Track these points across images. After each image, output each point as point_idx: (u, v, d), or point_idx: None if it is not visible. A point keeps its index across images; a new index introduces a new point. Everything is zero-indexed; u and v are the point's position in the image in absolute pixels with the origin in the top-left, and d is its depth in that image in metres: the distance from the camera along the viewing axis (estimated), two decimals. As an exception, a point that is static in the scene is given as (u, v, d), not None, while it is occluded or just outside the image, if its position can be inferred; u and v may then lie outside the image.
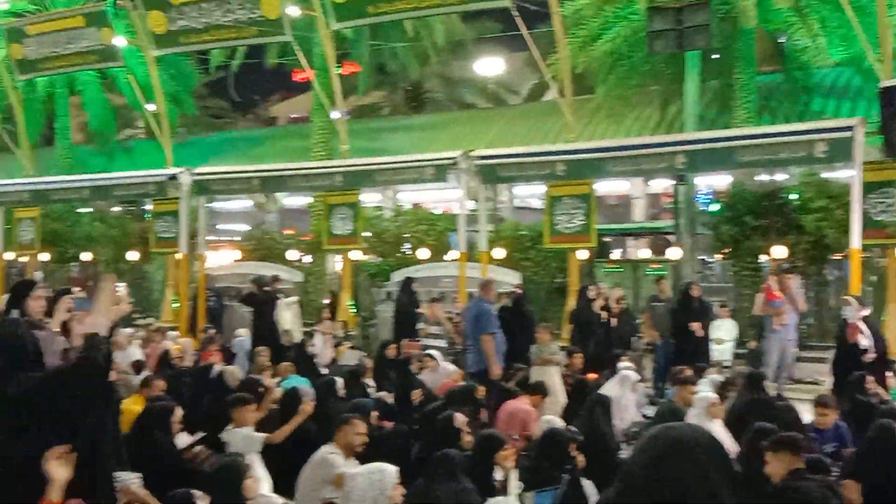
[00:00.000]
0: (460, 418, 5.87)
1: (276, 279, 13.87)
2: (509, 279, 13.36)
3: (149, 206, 18.03)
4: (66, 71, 19.75)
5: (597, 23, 15.75)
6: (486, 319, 9.79)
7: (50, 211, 19.58)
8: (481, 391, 7.93)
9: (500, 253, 15.19)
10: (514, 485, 5.34)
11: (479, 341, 9.69)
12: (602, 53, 15.78)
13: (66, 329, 4.96)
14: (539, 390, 7.80)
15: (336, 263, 18.19)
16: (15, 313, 4.73)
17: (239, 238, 20.77)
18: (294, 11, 15.93)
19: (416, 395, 8.03)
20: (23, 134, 20.82)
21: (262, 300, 13.04)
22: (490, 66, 21.74)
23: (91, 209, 20.92)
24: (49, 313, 5.10)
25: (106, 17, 17.47)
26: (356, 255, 16.39)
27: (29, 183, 18.69)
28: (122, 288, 5.64)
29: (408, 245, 17.29)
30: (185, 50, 18.23)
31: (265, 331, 12.41)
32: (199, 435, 6.18)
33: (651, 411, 8.52)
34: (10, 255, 18.76)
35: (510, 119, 22.78)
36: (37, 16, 20.15)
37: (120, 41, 17.73)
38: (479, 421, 7.12)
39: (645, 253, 19.29)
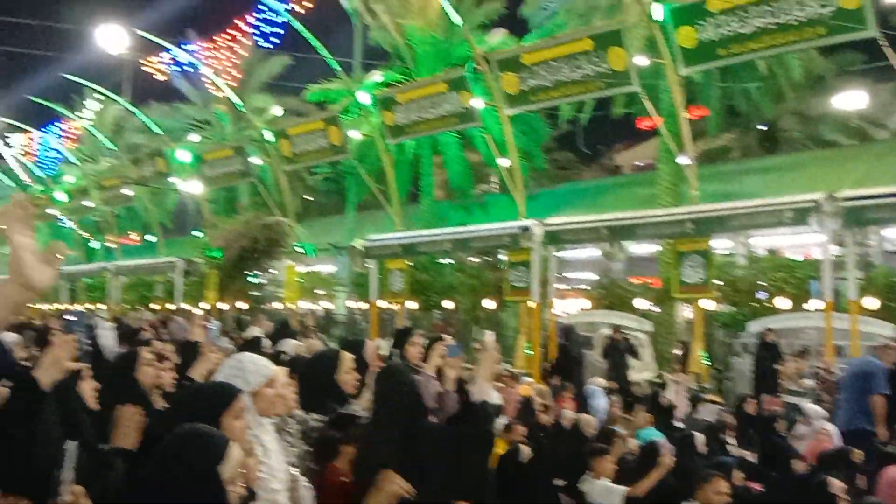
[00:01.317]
0: (836, 484, 5.39)
1: (617, 329, 13.86)
2: (885, 332, 12.10)
3: (503, 257, 18.93)
4: (430, 133, 21.58)
5: None
6: (880, 379, 9.09)
7: (416, 262, 21.30)
8: (858, 454, 7.22)
9: (871, 302, 13.82)
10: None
11: (859, 400, 8.92)
12: None
13: (439, 373, 5.35)
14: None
15: (686, 312, 17.71)
16: (396, 358, 5.22)
17: (587, 286, 21.05)
18: (641, 61, 16.01)
19: (800, 465, 7.46)
20: (393, 192, 22.98)
21: (618, 349, 13.09)
22: (853, 99, 20.14)
23: (452, 260, 22.42)
24: (424, 358, 5.56)
25: (465, 82, 18.84)
26: (708, 304, 15.83)
27: (399, 237, 20.56)
28: (490, 337, 5.93)
29: (763, 293, 16.35)
30: (536, 107, 19.07)
31: (618, 380, 12.40)
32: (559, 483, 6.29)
33: None
34: (382, 303, 20.70)
35: (878, 156, 20.79)
36: (405, 85, 22.29)
37: (478, 103, 18.98)
38: (856, 488, 6.48)
39: None
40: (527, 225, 16.35)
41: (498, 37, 23.19)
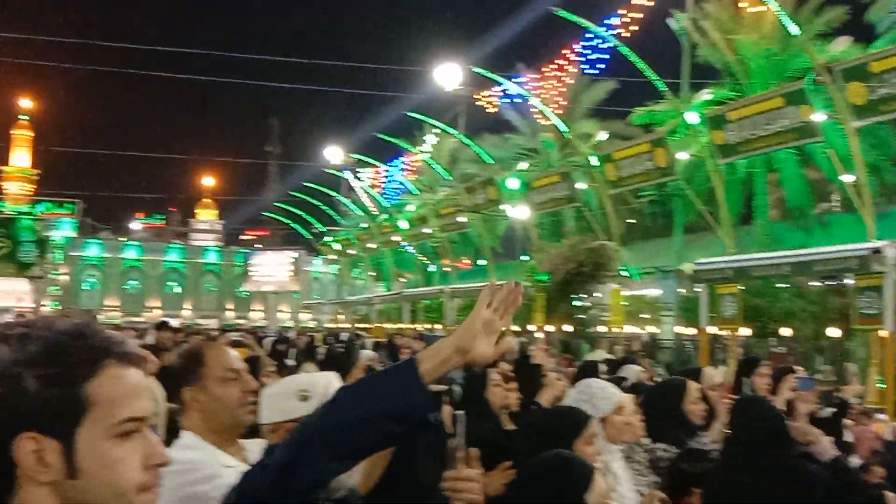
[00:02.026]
0: None
1: None
2: None
3: (850, 281, 17.42)
4: (765, 151, 20.48)
5: None
6: None
7: (750, 287, 20.27)
8: None
9: None
10: None
11: None
12: None
13: (791, 408, 5.03)
14: None
15: None
16: (748, 388, 4.98)
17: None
18: None
19: None
20: (724, 214, 22.10)
21: None
22: None
23: (789, 284, 21.05)
24: (773, 390, 5.25)
25: (804, 95, 17.67)
26: None
27: (731, 260, 19.70)
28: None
29: None
30: (887, 118, 17.40)
31: None
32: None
33: None
34: (712, 329, 19.92)
35: None
36: (737, 102, 21.38)
37: (819, 116, 17.72)
38: None
39: None
40: (878, 246, 14.90)
41: (842, 45, 21.54)
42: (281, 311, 56.52)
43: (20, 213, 54.44)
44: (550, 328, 24.69)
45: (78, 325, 1.35)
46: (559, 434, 2.96)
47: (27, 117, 73.78)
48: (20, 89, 73.98)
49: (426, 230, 38.17)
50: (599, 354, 9.57)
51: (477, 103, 33.91)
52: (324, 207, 49.13)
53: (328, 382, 2.71)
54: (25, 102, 73.78)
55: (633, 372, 6.84)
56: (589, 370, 6.50)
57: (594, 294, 24.82)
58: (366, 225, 45.47)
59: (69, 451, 1.27)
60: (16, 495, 1.29)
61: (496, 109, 33.87)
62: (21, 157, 72.88)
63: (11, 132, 72.49)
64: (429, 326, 33.28)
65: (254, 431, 2.85)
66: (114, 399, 1.30)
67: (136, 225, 71.78)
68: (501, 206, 31.12)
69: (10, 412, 1.26)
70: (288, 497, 1.72)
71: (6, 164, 71.95)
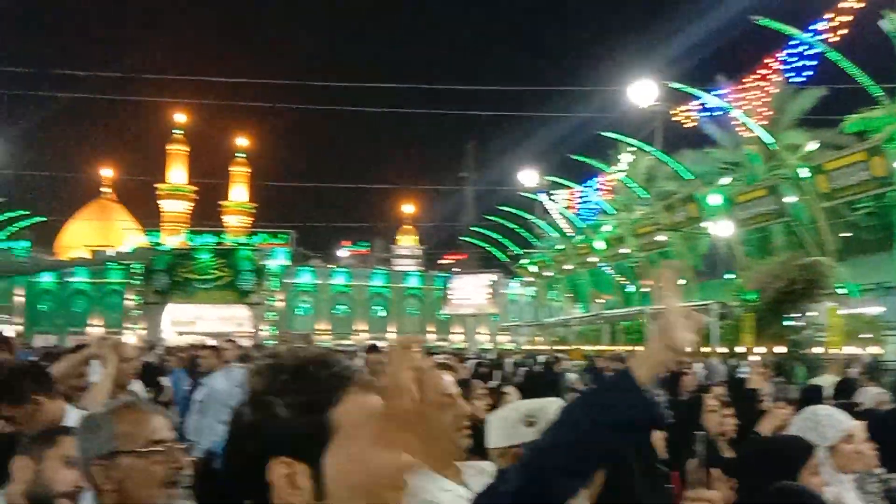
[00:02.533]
0: None
1: None
2: None
3: None
4: None
5: None
6: None
7: None
8: None
9: None
10: None
11: None
12: None
13: None
14: None
15: None
16: None
17: None
18: None
19: None
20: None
21: None
22: None
23: None
24: None
25: None
26: None
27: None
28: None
29: None
30: None
31: None
32: None
33: None
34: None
35: None
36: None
37: None
38: None
39: None
40: None
41: None
42: (479, 333, 57.32)
43: (239, 245, 58.65)
44: (761, 349, 23.52)
45: (321, 355, 1.44)
46: (783, 464, 2.84)
47: (244, 155, 79.59)
48: (237, 129, 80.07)
49: (623, 250, 37.52)
50: (827, 379, 8.92)
51: (673, 119, 33.09)
52: (519, 230, 49.50)
53: (553, 407, 2.74)
54: (242, 141, 79.65)
55: (870, 396, 6.35)
56: (812, 395, 6.12)
57: (808, 313, 23.46)
58: (561, 246, 45.34)
59: (318, 475, 1.36)
60: None
61: (695, 124, 32.88)
62: (239, 191, 78.62)
63: (230, 169, 78.43)
64: (629, 348, 32.62)
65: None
66: (357, 423, 1.38)
67: (343, 252, 75.36)
68: (703, 224, 30.10)
69: (265, 438, 1.36)
70: None
71: (226, 198, 77.83)
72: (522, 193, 46.94)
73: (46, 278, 56.55)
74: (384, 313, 60.36)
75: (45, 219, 57.16)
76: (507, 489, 1.81)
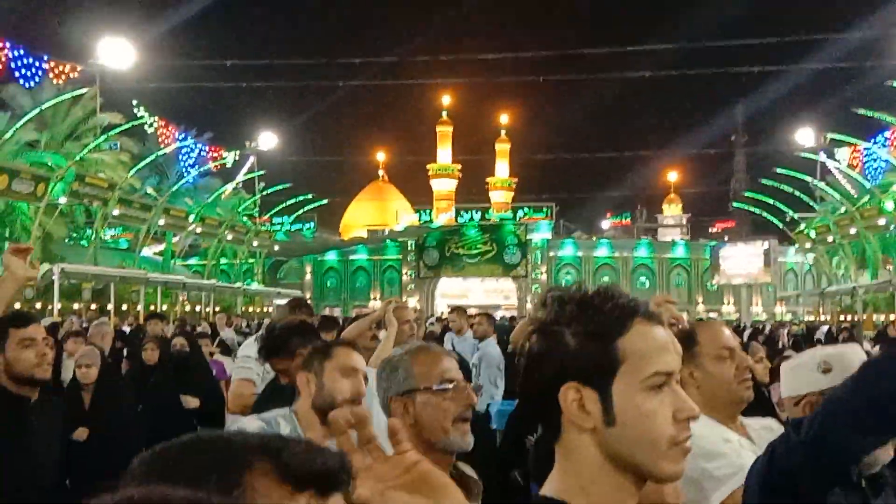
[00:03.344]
0: None
1: None
2: None
3: None
4: None
5: None
6: None
7: None
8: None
9: None
10: None
11: None
12: None
13: None
14: None
15: None
16: None
17: None
18: None
19: None
20: None
21: None
22: None
23: None
24: None
25: None
26: None
27: None
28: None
29: None
30: None
31: None
32: None
33: None
34: None
35: None
36: None
37: None
38: None
39: None
40: None
41: None
42: (754, 304, 54.61)
43: (503, 220, 60.01)
44: None
45: (606, 288, 1.48)
46: None
47: (505, 131, 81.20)
48: (499, 105, 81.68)
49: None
50: None
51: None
52: (797, 193, 46.33)
53: (852, 355, 2.61)
54: (504, 117, 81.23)
55: None
56: None
57: None
58: (845, 209, 41.92)
59: (606, 401, 1.40)
60: (560, 439, 1.46)
61: None
62: (502, 167, 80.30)
63: (495, 146, 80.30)
64: None
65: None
66: (643, 354, 1.41)
67: (605, 224, 74.75)
68: None
69: (554, 365, 1.43)
70: (821, 472, 1.72)
71: (490, 174, 79.83)
72: (799, 154, 43.91)
73: (331, 256, 61.25)
74: (648, 284, 59.16)
75: (326, 201, 61.58)
76: (801, 439, 1.77)
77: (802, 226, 48.10)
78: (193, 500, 0.73)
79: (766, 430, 2.87)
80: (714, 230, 71.98)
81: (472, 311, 11.14)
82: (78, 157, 32.25)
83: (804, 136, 42.83)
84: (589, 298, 1.45)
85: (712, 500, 2.55)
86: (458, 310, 10.78)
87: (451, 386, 2.39)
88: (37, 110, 31.74)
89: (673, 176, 77.44)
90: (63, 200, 31.28)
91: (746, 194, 56.36)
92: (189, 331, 12.42)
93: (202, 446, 0.88)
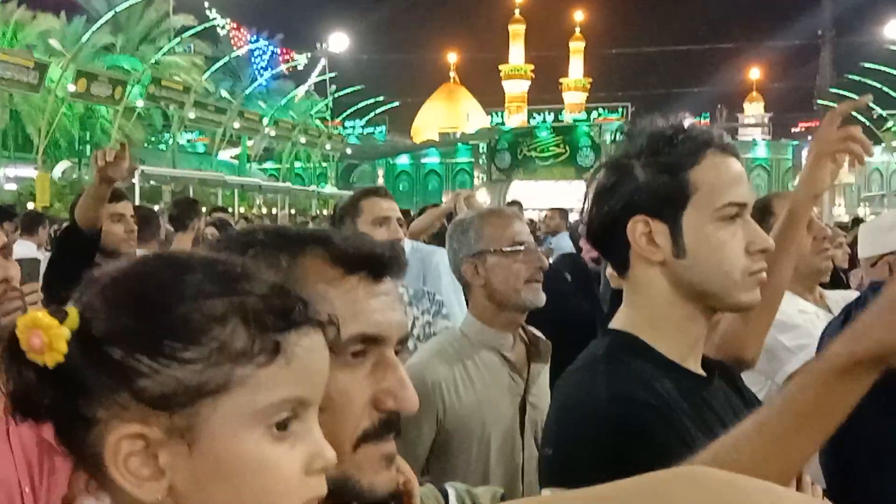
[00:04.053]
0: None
1: None
2: None
3: None
4: None
5: None
6: None
7: None
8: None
9: None
10: None
11: None
12: None
13: None
14: None
15: None
16: None
17: None
18: None
19: None
20: None
21: None
22: None
23: None
24: None
25: None
26: None
27: None
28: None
29: None
30: None
31: None
32: None
33: None
34: None
35: None
36: None
37: None
38: None
39: None
40: None
41: None
42: (837, 206, 53.04)
43: (576, 121, 59.00)
44: None
45: (680, 123, 1.43)
46: None
47: (579, 29, 78.98)
48: (573, 3, 79.36)
49: None
50: None
51: None
52: (885, 89, 44.19)
53: None
54: (578, 14, 78.89)
55: None
56: None
57: None
58: (938, 105, 39.98)
59: (676, 233, 1.37)
60: (628, 274, 1.44)
61: None
62: (576, 67, 78.47)
63: (569, 44, 78.32)
64: None
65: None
66: (715, 185, 1.37)
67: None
68: None
69: (623, 198, 1.40)
70: None
71: (563, 75, 78.15)
72: (889, 47, 41.71)
73: (403, 160, 61.34)
74: (726, 185, 57.91)
75: (397, 104, 61.37)
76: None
77: (890, 123, 46.07)
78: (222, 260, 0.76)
79: (846, 300, 2.81)
80: (797, 129, 69.48)
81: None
82: (153, 60, 32.63)
83: (894, 29, 40.64)
84: (660, 131, 1.41)
85: (786, 370, 2.53)
86: (557, 210, 10.41)
87: (521, 248, 2.40)
88: (111, 13, 32.06)
89: (755, 73, 74.58)
90: (140, 104, 31.84)
91: (832, 90, 54.04)
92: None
93: (259, 236, 0.91)
